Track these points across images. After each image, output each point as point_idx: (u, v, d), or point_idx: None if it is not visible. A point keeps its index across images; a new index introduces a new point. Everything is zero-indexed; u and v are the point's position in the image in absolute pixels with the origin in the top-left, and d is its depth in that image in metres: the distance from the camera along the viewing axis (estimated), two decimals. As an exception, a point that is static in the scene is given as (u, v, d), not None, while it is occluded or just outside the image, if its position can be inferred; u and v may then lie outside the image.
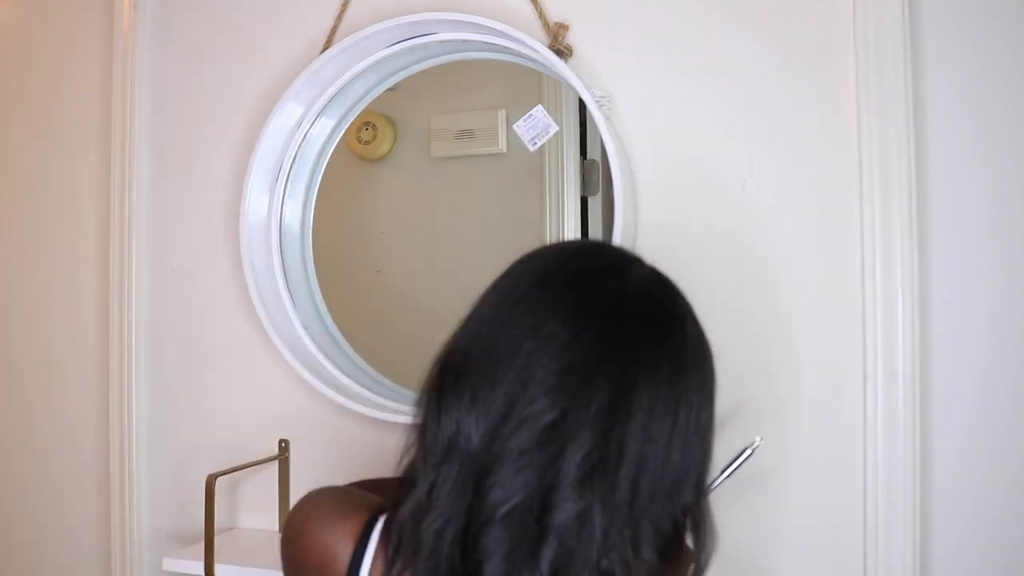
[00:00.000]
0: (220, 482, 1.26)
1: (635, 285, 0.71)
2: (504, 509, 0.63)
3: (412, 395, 1.30)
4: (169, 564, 1.31)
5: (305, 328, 1.32)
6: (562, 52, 1.20)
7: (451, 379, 0.69)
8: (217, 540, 1.24)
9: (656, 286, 0.73)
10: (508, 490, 0.63)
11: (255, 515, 1.40)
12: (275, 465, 1.36)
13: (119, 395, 1.47)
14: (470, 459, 0.65)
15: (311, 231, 1.38)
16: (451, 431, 0.66)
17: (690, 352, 0.70)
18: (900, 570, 1.07)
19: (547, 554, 0.63)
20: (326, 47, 1.31)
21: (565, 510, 0.63)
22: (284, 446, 1.36)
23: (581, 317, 0.67)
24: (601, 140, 1.14)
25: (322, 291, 1.37)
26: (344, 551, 0.70)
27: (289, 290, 1.32)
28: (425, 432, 0.69)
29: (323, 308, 1.37)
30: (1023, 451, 1.08)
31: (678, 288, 0.75)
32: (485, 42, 1.22)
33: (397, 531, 0.67)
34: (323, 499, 0.76)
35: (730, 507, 1.15)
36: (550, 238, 1.28)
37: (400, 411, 1.23)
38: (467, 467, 0.65)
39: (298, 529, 0.74)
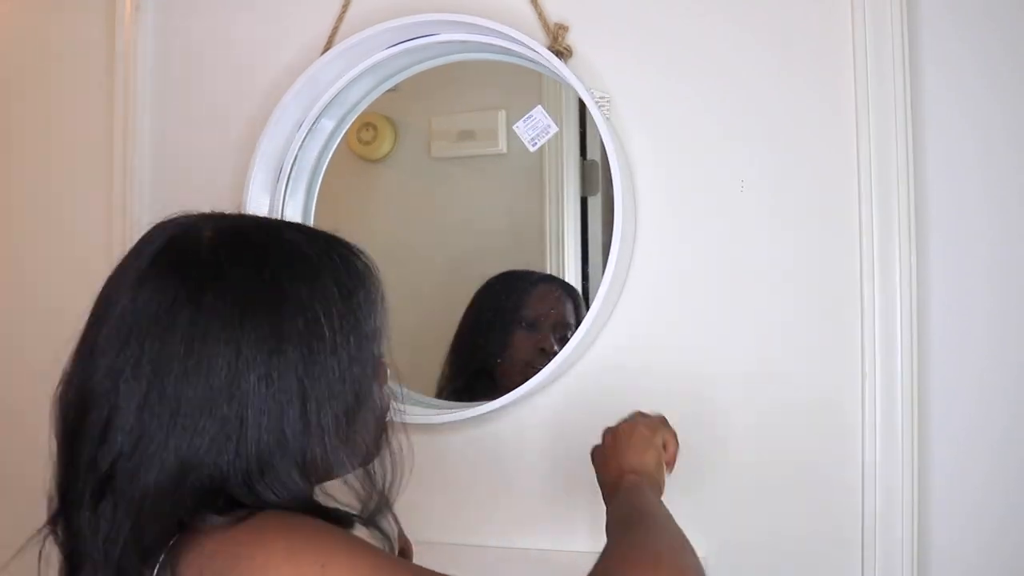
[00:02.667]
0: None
1: (177, 249, 0.71)
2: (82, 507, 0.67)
3: (411, 394, 1.31)
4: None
5: (306, 328, 1.32)
6: (562, 53, 1.20)
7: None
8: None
9: (208, 244, 0.71)
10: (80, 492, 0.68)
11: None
12: (276, 465, 1.36)
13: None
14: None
15: (312, 231, 1.38)
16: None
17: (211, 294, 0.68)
18: (899, 570, 1.07)
19: (103, 521, 0.66)
20: (327, 48, 1.31)
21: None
22: (285, 446, 1.36)
23: (117, 308, 0.71)
24: (601, 140, 1.14)
25: (323, 291, 1.37)
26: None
27: (290, 290, 1.32)
28: None
29: (324, 308, 1.37)
30: (1022, 452, 1.08)
31: (237, 239, 0.72)
32: (485, 43, 1.23)
33: None
34: None
35: (728, 507, 1.15)
36: (550, 238, 1.28)
37: (398, 411, 1.24)
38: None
39: None
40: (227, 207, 1.46)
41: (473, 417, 1.20)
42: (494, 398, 1.19)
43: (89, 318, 0.74)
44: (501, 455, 1.25)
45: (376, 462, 0.74)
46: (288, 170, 1.35)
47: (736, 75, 1.17)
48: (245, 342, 0.66)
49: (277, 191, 1.34)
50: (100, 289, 0.75)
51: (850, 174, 1.12)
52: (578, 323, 1.19)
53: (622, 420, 1.01)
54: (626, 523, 0.82)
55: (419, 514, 1.27)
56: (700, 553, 1.14)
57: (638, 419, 1.00)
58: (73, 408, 0.70)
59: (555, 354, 1.16)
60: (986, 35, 1.10)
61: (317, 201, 1.38)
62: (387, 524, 0.74)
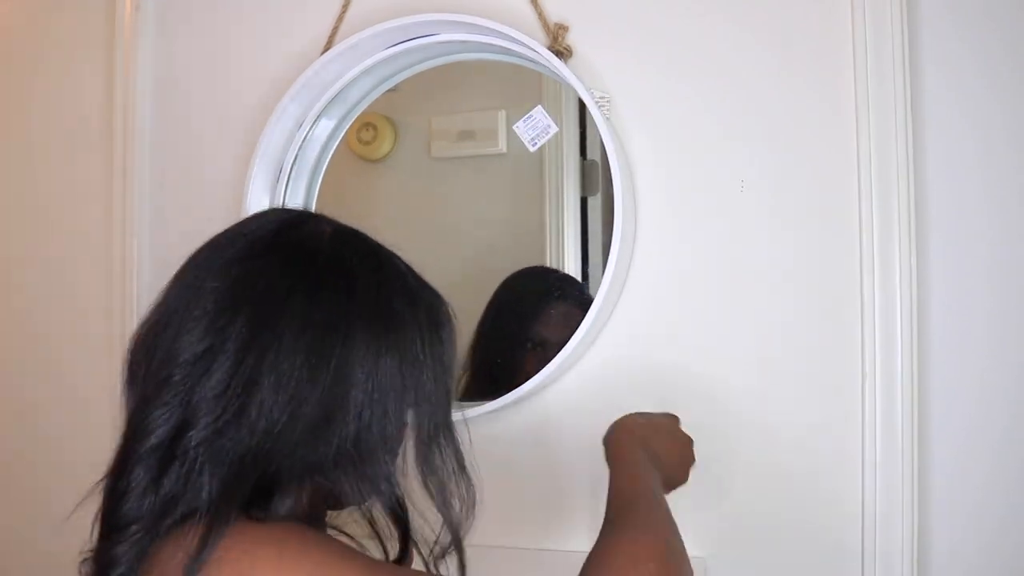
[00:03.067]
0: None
1: (300, 234, 0.74)
2: (147, 444, 0.67)
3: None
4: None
5: (306, 328, 1.32)
6: (562, 53, 1.20)
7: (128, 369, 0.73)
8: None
9: (330, 237, 0.75)
10: (152, 425, 0.67)
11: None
12: (276, 464, 1.36)
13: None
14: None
15: (312, 231, 1.38)
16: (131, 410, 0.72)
17: (348, 298, 0.71)
18: (899, 570, 1.07)
19: (171, 475, 0.66)
20: (327, 48, 1.31)
21: (188, 436, 0.66)
22: (285, 446, 1.36)
23: (232, 263, 0.71)
24: (601, 140, 1.14)
25: (323, 291, 1.37)
26: None
27: (290, 290, 1.33)
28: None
29: (324, 307, 1.37)
30: (1022, 452, 1.08)
31: (357, 244, 0.76)
32: (485, 43, 1.23)
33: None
34: None
35: (727, 507, 1.15)
36: (550, 238, 1.28)
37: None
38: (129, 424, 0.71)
39: None
40: (227, 207, 1.48)
41: (472, 418, 1.20)
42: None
43: (184, 275, 0.73)
44: (500, 455, 1.25)
45: (454, 493, 0.78)
46: (288, 170, 1.35)
47: (736, 75, 1.17)
48: (357, 337, 0.69)
49: (277, 191, 1.34)
50: (195, 253, 0.75)
51: (850, 174, 1.12)
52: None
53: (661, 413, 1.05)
54: (635, 505, 0.85)
55: (416, 515, 1.27)
56: (700, 552, 1.15)
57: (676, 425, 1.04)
58: (152, 363, 0.69)
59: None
60: (986, 35, 1.10)
61: (317, 201, 1.38)
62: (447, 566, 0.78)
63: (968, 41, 1.10)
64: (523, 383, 1.18)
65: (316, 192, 1.38)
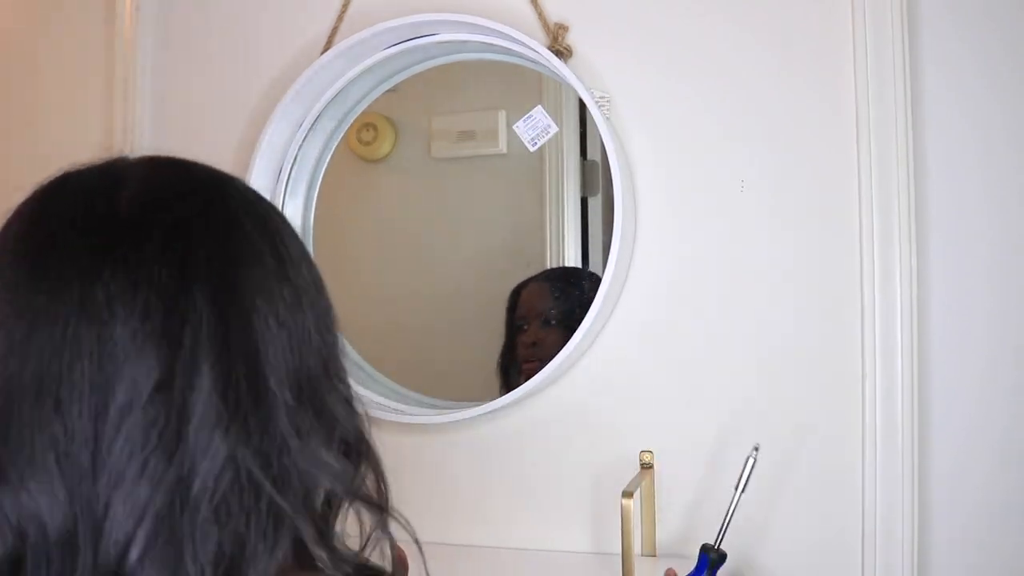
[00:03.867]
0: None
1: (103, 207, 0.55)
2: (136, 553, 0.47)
3: (411, 394, 1.31)
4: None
5: (305, 328, 1.32)
6: (562, 53, 1.20)
7: None
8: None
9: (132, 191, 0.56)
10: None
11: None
12: (276, 464, 1.36)
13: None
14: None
15: (312, 231, 1.38)
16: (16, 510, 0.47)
17: (184, 251, 0.54)
18: (899, 570, 1.07)
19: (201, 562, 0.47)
20: (327, 48, 1.31)
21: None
22: (285, 446, 1.36)
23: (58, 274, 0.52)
24: (601, 140, 1.14)
25: (322, 291, 1.37)
26: None
27: (290, 290, 1.33)
28: None
29: (323, 307, 1.37)
30: (1022, 452, 1.08)
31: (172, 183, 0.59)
32: (485, 43, 1.23)
33: None
34: None
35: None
36: (550, 238, 1.28)
37: (399, 411, 1.24)
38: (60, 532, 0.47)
39: None
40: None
41: (473, 417, 1.21)
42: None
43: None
44: (502, 455, 1.25)
45: (363, 461, 0.60)
46: (288, 170, 1.34)
47: (736, 75, 1.17)
48: (255, 274, 0.57)
49: (277, 191, 1.34)
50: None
51: (850, 174, 1.12)
52: (568, 300, 1.20)
53: None
54: None
55: (417, 515, 1.27)
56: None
57: None
58: None
59: (541, 341, 1.19)
60: (986, 35, 1.10)
61: (317, 201, 1.38)
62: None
63: (968, 41, 1.10)
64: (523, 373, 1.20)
65: (316, 192, 1.38)
